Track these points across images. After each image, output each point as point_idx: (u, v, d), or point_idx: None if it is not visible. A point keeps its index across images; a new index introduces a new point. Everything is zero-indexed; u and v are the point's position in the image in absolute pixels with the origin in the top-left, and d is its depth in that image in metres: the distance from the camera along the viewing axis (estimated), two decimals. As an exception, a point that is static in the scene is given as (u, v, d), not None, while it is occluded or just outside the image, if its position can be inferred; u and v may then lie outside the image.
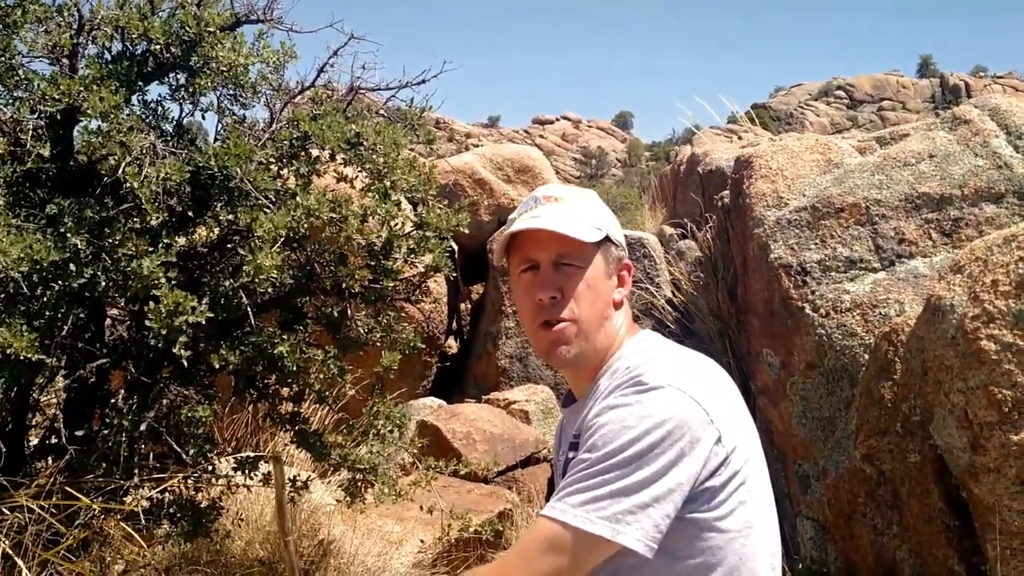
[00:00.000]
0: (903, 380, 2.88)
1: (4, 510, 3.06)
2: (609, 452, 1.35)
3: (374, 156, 3.60)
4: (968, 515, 2.56)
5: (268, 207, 3.17)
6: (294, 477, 4.00)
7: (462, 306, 8.24)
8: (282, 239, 3.09)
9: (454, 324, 8.16)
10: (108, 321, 3.83)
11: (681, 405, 1.39)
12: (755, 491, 1.45)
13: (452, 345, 8.24)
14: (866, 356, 3.60)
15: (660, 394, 1.39)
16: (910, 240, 4.01)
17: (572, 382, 1.68)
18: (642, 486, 1.34)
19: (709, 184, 7.06)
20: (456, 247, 7.29)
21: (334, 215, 3.29)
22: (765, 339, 4.37)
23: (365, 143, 3.53)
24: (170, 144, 3.37)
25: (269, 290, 3.58)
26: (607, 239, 1.59)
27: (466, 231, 3.90)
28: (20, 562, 2.97)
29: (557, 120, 64.86)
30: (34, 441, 3.92)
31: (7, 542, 2.99)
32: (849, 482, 3.16)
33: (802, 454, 3.81)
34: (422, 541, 4.60)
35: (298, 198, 3.27)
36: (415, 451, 4.69)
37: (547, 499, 5.14)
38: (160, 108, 3.58)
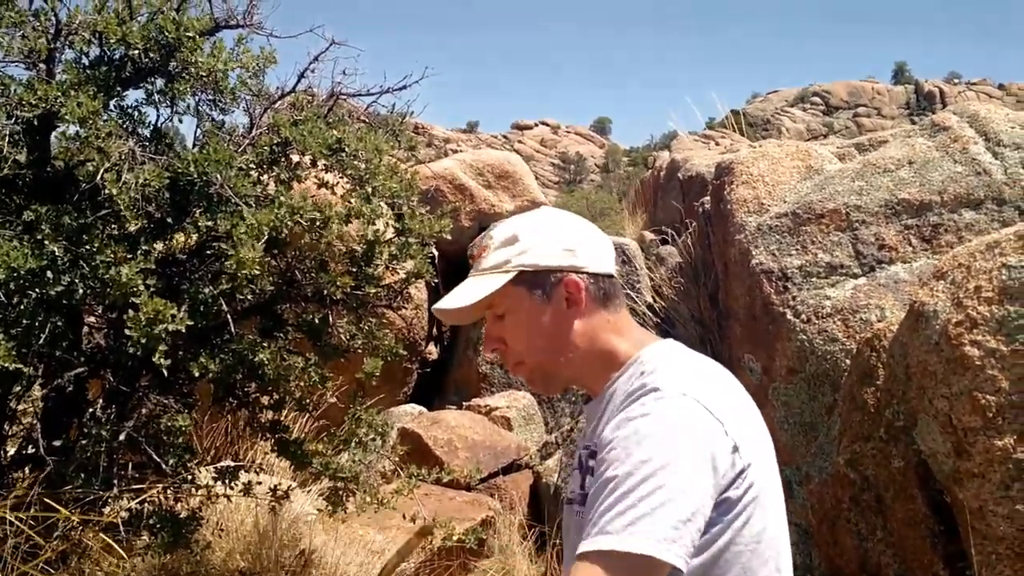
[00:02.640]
0: (886, 386, 2.89)
1: (-20, 522, 3.02)
2: (635, 471, 1.31)
3: (356, 162, 3.58)
4: (952, 520, 2.57)
5: (245, 210, 3.14)
6: (275, 486, 3.97)
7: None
8: (265, 237, 3.06)
9: (435, 330, 8.13)
10: (85, 329, 3.79)
11: (699, 416, 1.37)
12: (767, 504, 1.44)
13: (433, 352, 8.21)
14: (847, 361, 3.62)
15: (678, 406, 1.37)
16: (890, 246, 4.03)
17: (584, 388, 1.68)
18: (676, 502, 1.31)
19: (689, 190, 7.08)
20: (437, 253, 7.27)
21: (318, 214, 3.26)
22: (747, 345, 4.38)
23: (347, 149, 3.51)
24: (148, 150, 3.34)
25: (249, 297, 3.56)
26: (523, 274, 1.55)
27: (448, 237, 3.89)
28: (-4, 575, 2.93)
29: (536, 125, 64.97)
30: (11, 451, 3.86)
31: (-16, 555, 2.95)
32: (833, 487, 3.16)
33: (785, 459, 3.81)
34: (405, 549, 4.57)
35: (282, 197, 3.24)
36: (396, 459, 4.66)
37: (530, 506, 5.13)
38: (138, 113, 3.55)
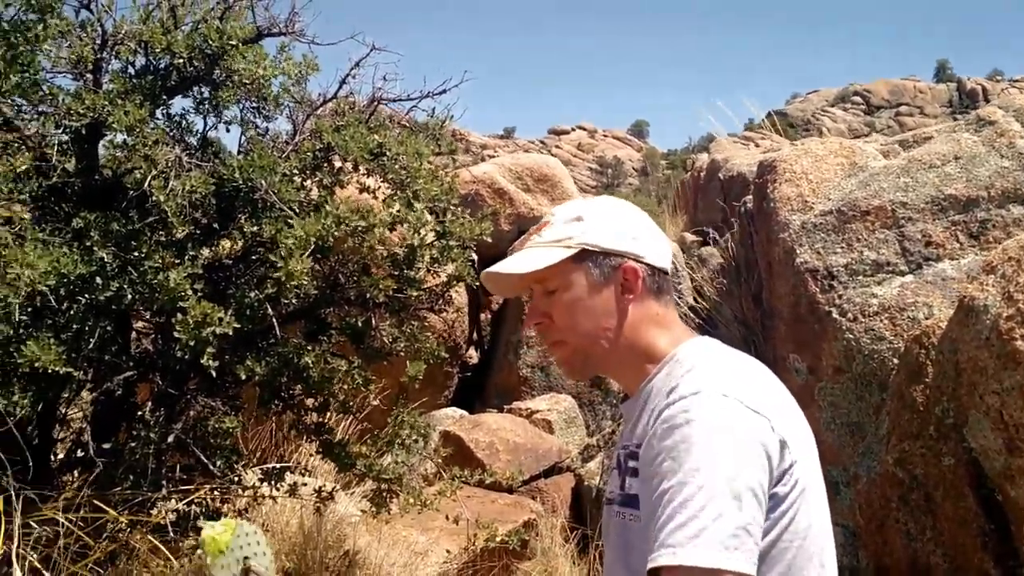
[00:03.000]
0: (935, 383, 2.85)
1: (32, 523, 3.08)
2: (688, 480, 1.30)
3: (396, 166, 3.61)
4: (1004, 519, 2.52)
5: (292, 218, 3.18)
6: (319, 488, 4.01)
7: (482, 317, 8.23)
8: (312, 247, 3.09)
9: (475, 335, 8.15)
10: (134, 335, 3.85)
11: (744, 416, 1.36)
12: (812, 500, 1.43)
13: (473, 356, 8.23)
14: (895, 360, 3.57)
15: (721, 408, 1.35)
16: (937, 242, 3.97)
17: (618, 383, 1.68)
18: (734, 507, 1.30)
19: (730, 190, 7.04)
20: (476, 258, 7.29)
21: (363, 223, 3.29)
22: (791, 344, 4.34)
23: (388, 153, 3.54)
24: (195, 157, 3.39)
25: (294, 301, 3.60)
26: (585, 252, 1.55)
27: (488, 240, 3.90)
28: (48, 574, 2.98)
29: (573, 130, 64.92)
30: (61, 455, 3.94)
31: (35, 555, 3.00)
32: (881, 487, 3.12)
33: (831, 460, 3.77)
34: (448, 551, 4.59)
35: (327, 206, 3.27)
36: (439, 461, 4.68)
37: (571, 509, 5.11)
38: (184, 121, 3.61)
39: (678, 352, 1.54)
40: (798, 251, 4.27)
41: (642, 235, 1.59)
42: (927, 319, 3.45)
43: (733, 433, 1.33)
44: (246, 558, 1.50)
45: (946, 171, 4.14)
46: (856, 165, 4.54)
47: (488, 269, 1.62)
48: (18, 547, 2.95)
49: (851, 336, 3.89)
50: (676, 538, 1.27)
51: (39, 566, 2.99)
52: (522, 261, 1.57)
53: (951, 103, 66.71)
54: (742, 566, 1.28)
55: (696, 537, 1.26)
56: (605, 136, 65.88)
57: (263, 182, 3.23)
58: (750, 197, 5.71)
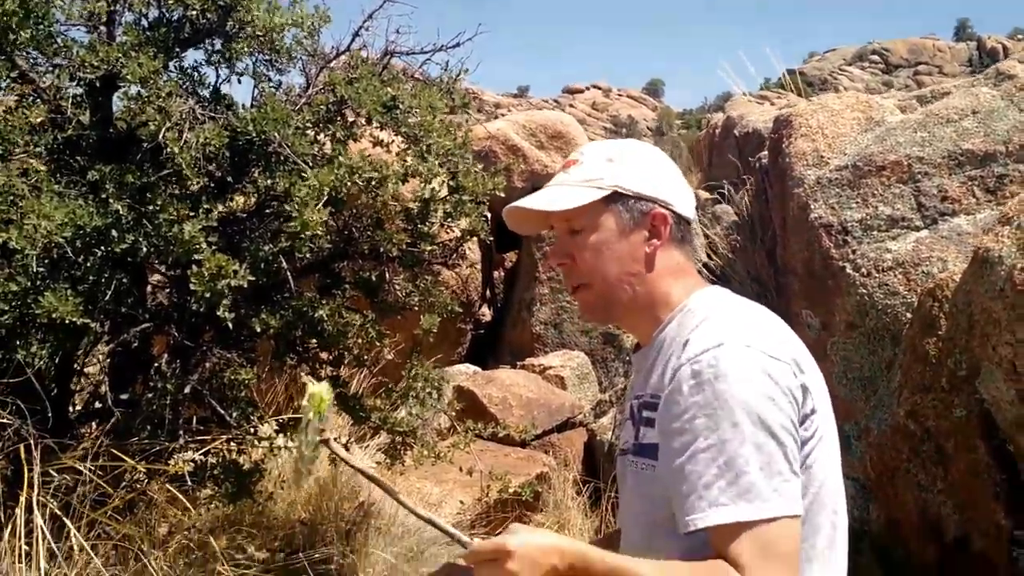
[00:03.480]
0: (948, 335, 2.85)
1: (52, 472, 3.13)
2: (729, 437, 1.31)
3: (410, 120, 3.60)
4: (1015, 469, 2.54)
5: (306, 170, 3.18)
6: (336, 438, 4.04)
7: (496, 274, 8.24)
8: (325, 198, 3.09)
9: (488, 292, 8.17)
10: (149, 289, 3.88)
11: (770, 365, 1.36)
12: (828, 450, 1.44)
13: (487, 313, 8.26)
14: (908, 315, 3.56)
15: (746, 359, 1.36)
16: (953, 198, 3.95)
17: (629, 332, 1.68)
18: (777, 456, 1.31)
19: (746, 146, 6.99)
20: (489, 215, 7.28)
21: (376, 175, 3.29)
22: (805, 300, 4.34)
23: (401, 106, 3.53)
24: (208, 110, 3.39)
25: (308, 255, 3.61)
26: (617, 195, 1.54)
27: (502, 195, 3.90)
28: (68, 522, 3.03)
29: (587, 89, 64.41)
30: (79, 406, 3.99)
31: (55, 503, 3.06)
32: (892, 439, 3.14)
33: (843, 415, 3.77)
34: (461, 502, 4.65)
35: (340, 158, 3.27)
36: (452, 414, 4.72)
37: (584, 463, 5.16)
38: (197, 74, 3.60)
39: (689, 302, 1.54)
40: (813, 206, 4.25)
41: (671, 182, 1.58)
42: (941, 273, 3.44)
43: (762, 383, 1.34)
44: (322, 431, 1.53)
45: (964, 125, 4.11)
46: (873, 120, 4.50)
47: (514, 203, 1.60)
48: (38, 495, 3.01)
49: (864, 291, 3.88)
50: (728, 495, 1.29)
51: (59, 513, 3.04)
52: (552, 198, 1.56)
53: (971, 62, 65.73)
54: (794, 508, 1.31)
55: (748, 492, 1.29)
56: (620, 95, 65.33)
57: (276, 135, 3.22)
58: (765, 153, 5.67)
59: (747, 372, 1.34)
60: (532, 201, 1.58)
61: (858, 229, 4.07)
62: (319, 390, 1.52)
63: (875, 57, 68.74)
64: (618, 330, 6.76)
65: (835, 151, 4.36)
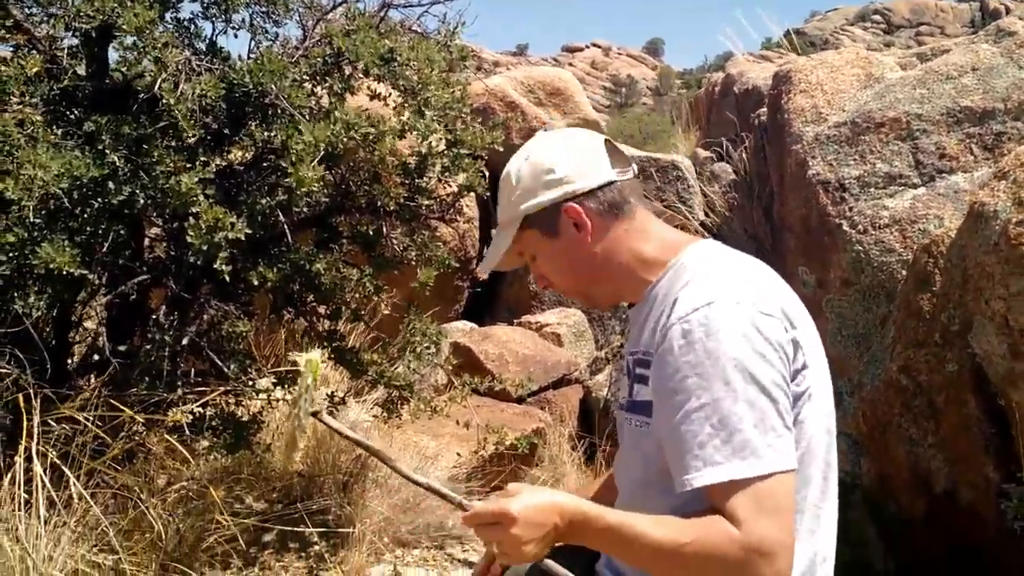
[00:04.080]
0: (943, 290, 2.86)
1: (51, 421, 3.14)
2: (722, 396, 1.32)
3: (407, 73, 3.57)
4: (1006, 423, 2.56)
5: (304, 124, 3.16)
6: (331, 393, 4.08)
7: (493, 233, 8.22)
8: (322, 153, 3.09)
9: (486, 250, 8.15)
10: (147, 242, 3.88)
11: (760, 322, 1.37)
12: (819, 405, 1.46)
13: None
14: (903, 272, 3.57)
15: (737, 316, 1.37)
16: (951, 155, 3.95)
17: (630, 300, 1.69)
18: (770, 411, 1.33)
19: (745, 104, 6.95)
20: (487, 173, 7.25)
21: (372, 130, 3.28)
22: (801, 257, 4.35)
23: (399, 59, 3.50)
24: (205, 61, 3.37)
25: (305, 209, 3.61)
26: (526, 219, 1.60)
27: (500, 149, 3.88)
28: (67, 471, 3.06)
29: (587, 47, 63.82)
30: (77, 358, 4.00)
31: (54, 452, 3.08)
32: (885, 394, 3.16)
33: (837, 371, 3.78)
34: (458, 455, 4.68)
35: (337, 112, 3.25)
36: (449, 369, 4.75)
37: (579, 419, 5.20)
38: (193, 26, 3.57)
39: (682, 257, 1.55)
40: (811, 163, 4.24)
41: (568, 167, 1.57)
42: (937, 230, 3.44)
43: (753, 339, 1.35)
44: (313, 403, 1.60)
45: (963, 82, 4.09)
46: (872, 76, 4.48)
47: (479, 268, 1.80)
48: (38, 444, 3.03)
49: (860, 248, 3.89)
50: (723, 453, 1.31)
51: (58, 462, 3.07)
52: (493, 250, 1.70)
53: (973, 23, 65.13)
54: (788, 463, 1.33)
55: (743, 449, 1.30)
56: (619, 54, 64.77)
57: (273, 87, 3.20)
58: (764, 110, 5.65)
59: (737, 329, 1.35)
60: (487, 260, 1.73)
61: (855, 186, 4.06)
62: (314, 357, 1.56)
63: (877, 17, 68.07)
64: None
65: (834, 107, 4.35)
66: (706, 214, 6.46)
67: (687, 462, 1.33)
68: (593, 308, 1.75)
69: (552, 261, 1.62)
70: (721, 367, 1.33)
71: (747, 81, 7.21)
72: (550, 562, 1.44)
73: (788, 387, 1.38)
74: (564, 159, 1.58)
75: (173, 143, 3.25)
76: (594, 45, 65.01)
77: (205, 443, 3.66)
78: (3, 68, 3.28)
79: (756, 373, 1.33)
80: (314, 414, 1.58)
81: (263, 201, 3.27)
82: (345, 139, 3.29)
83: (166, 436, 3.45)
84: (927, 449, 2.93)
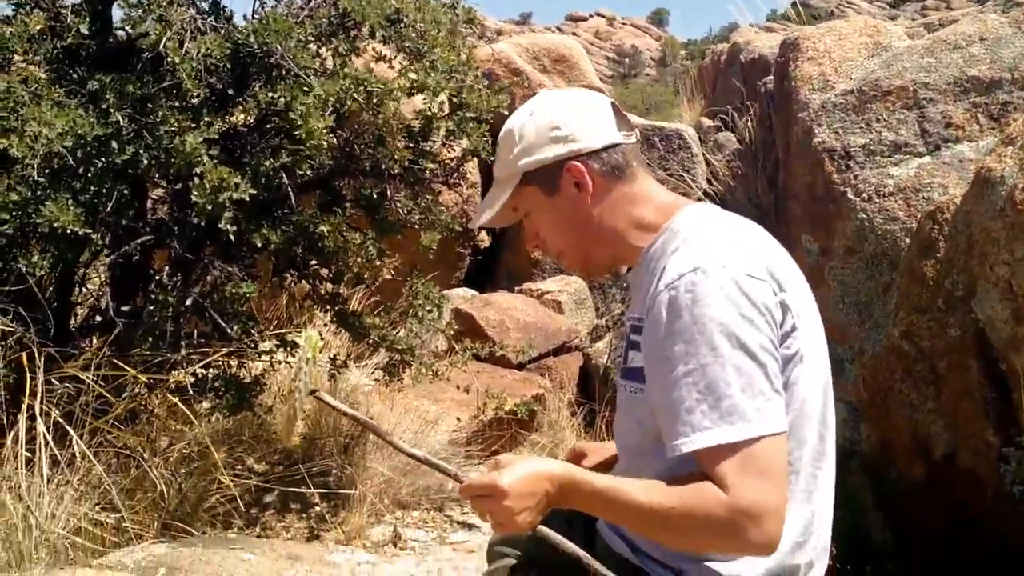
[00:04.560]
0: (946, 257, 2.86)
1: (54, 380, 3.16)
2: (708, 362, 1.32)
3: (413, 34, 3.56)
4: (1006, 388, 2.57)
5: (310, 83, 3.15)
6: (334, 356, 4.09)
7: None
8: (330, 109, 3.07)
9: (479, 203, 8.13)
10: (150, 203, 3.88)
11: (747, 286, 1.36)
12: (812, 368, 1.45)
13: (485, 239, 8.24)
14: (907, 241, 3.57)
15: (724, 280, 1.36)
16: (957, 124, 3.93)
17: (627, 265, 1.69)
18: (758, 375, 1.33)
19: (751, 73, 6.91)
20: (491, 140, 7.22)
21: (382, 86, 3.26)
22: (805, 225, 4.34)
23: (405, 20, 3.48)
24: (209, 20, 3.35)
25: (309, 172, 3.60)
26: (527, 175, 1.57)
27: (506, 113, 3.86)
28: (71, 429, 3.08)
29: (591, 17, 63.35)
30: (80, 318, 4.01)
31: (58, 411, 3.10)
32: (886, 360, 3.17)
33: (838, 339, 3.82)
34: (458, 419, 4.71)
35: (346, 69, 3.24)
36: (450, 334, 4.76)
37: (579, 386, 5.22)
38: (198, -15, 3.54)
39: (674, 221, 1.54)
40: (816, 131, 4.23)
41: (573, 127, 1.56)
42: (942, 198, 3.45)
43: (739, 303, 1.34)
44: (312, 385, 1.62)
45: (970, 52, 4.07)
46: (880, 45, 4.46)
47: (472, 222, 1.74)
48: (41, 403, 3.05)
49: (864, 216, 3.89)
50: (710, 418, 1.31)
51: (61, 421, 3.09)
52: (488, 206, 1.64)
53: (980, -3, 64.61)
54: (777, 426, 1.33)
55: (731, 414, 1.30)
56: (624, 24, 64.31)
57: (278, 47, 3.19)
58: (771, 78, 5.62)
59: (723, 294, 1.34)
60: (481, 215, 1.66)
61: (861, 154, 4.06)
62: (312, 334, 1.58)
63: (883, -11, 67.54)
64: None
65: (841, 75, 4.33)
66: (709, 183, 6.45)
67: (676, 428, 1.34)
68: (587, 275, 1.71)
69: (548, 220, 1.59)
70: (707, 332, 1.33)
71: (753, 50, 7.16)
72: (545, 529, 1.45)
73: (777, 350, 1.37)
74: (570, 117, 1.56)
75: (177, 103, 3.24)
76: (598, 15, 64.51)
77: (207, 404, 3.68)
78: (6, 26, 3.26)
79: (743, 337, 1.33)
80: (312, 392, 1.59)
81: (267, 163, 3.26)
82: (354, 95, 3.27)
83: (169, 396, 3.48)
84: (927, 414, 2.94)
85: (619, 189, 1.56)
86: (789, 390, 1.41)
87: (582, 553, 1.45)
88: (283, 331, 3.92)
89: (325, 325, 4.39)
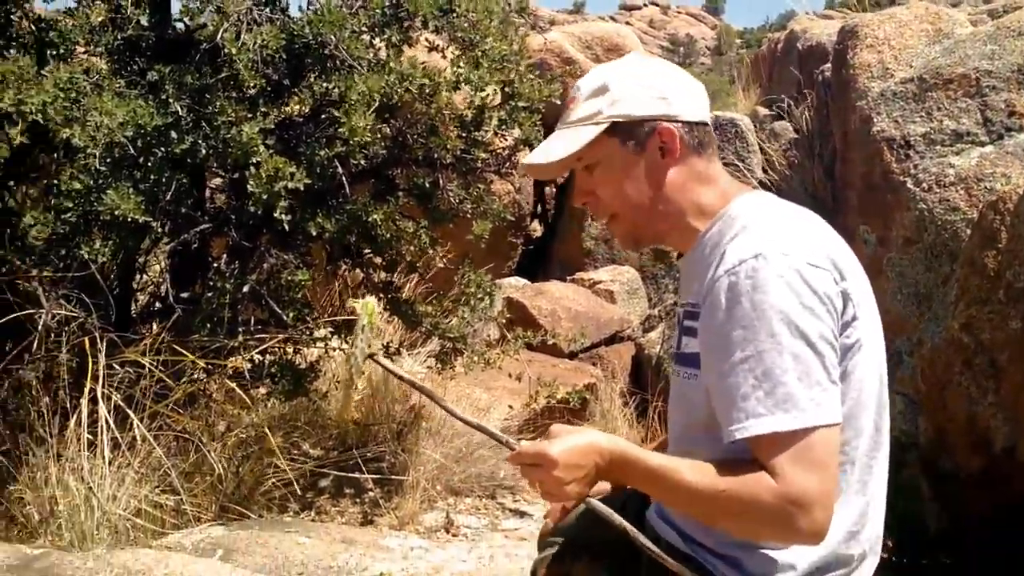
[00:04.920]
0: (1008, 247, 2.80)
1: (115, 365, 3.24)
2: (767, 348, 1.32)
3: (465, 24, 3.57)
4: (1069, 382, 2.52)
5: (358, 74, 3.18)
6: (387, 343, 4.13)
7: (547, 190, 8.22)
8: (376, 104, 3.10)
9: (539, 207, 8.16)
10: (208, 193, 3.95)
11: (809, 274, 1.35)
12: (869, 355, 1.44)
13: (537, 228, 8.26)
14: (968, 231, 3.50)
15: (785, 267, 1.34)
16: (1021, 112, 3.83)
17: (673, 248, 1.68)
18: (815, 364, 1.32)
19: (808, 61, 6.81)
20: (543, 130, 7.20)
21: (427, 81, 3.28)
22: (863, 216, 4.28)
23: (457, 9, 3.50)
24: (265, 12, 3.40)
25: (362, 161, 3.63)
26: (617, 124, 1.50)
27: (557, 102, 3.86)
28: (131, 413, 3.16)
29: (645, 6, 62.81)
30: (141, 304, 4.11)
31: (118, 395, 3.18)
32: (945, 352, 3.11)
33: (896, 330, 3.75)
34: (510, 407, 4.73)
35: (391, 64, 3.26)
36: (502, 322, 4.78)
37: (631, 376, 5.21)
38: (255, -25, 3.59)
39: (731, 208, 1.53)
40: (875, 119, 4.15)
41: (673, 92, 1.53)
42: (1005, 188, 3.36)
43: (800, 291, 1.33)
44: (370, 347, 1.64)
45: (1035, 38, 3.97)
46: (941, 32, 4.36)
47: (524, 160, 1.62)
48: (103, 387, 3.13)
49: (924, 207, 3.81)
50: (765, 405, 1.30)
51: (122, 404, 3.17)
52: (555, 147, 1.54)
53: (1049, -20, 62.75)
54: (832, 417, 1.32)
55: (786, 402, 1.30)
56: (679, 12, 63.67)
57: (332, 38, 3.23)
58: (828, 66, 5.54)
59: (784, 281, 1.33)
60: (536, 156, 1.57)
61: (921, 143, 3.98)
62: (370, 300, 1.60)
63: (947, -25, 65.93)
64: (667, 247, 6.76)
65: (901, 63, 4.24)
66: (765, 172, 6.38)
67: (731, 415, 1.33)
68: (632, 243, 1.67)
69: (615, 178, 1.53)
70: (767, 320, 1.32)
71: (811, 38, 7.05)
72: (594, 501, 1.46)
73: (836, 340, 1.36)
74: (675, 83, 1.55)
75: (234, 94, 3.29)
76: (652, 3, 63.91)
77: (264, 390, 3.75)
78: (69, 18, 3.35)
79: (803, 326, 1.32)
80: (371, 355, 1.62)
81: (322, 153, 3.30)
82: (400, 90, 3.30)
83: (226, 382, 3.54)
84: (987, 407, 2.89)
85: (697, 165, 1.54)
86: (847, 379, 1.40)
87: (629, 527, 1.45)
88: (337, 318, 3.97)
89: (379, 313, 4.44)
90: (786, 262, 1.35)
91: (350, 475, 3.88)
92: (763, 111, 7.39)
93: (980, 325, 2.90)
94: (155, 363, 3.27)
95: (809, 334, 1.32)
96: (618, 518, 1.46)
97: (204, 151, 3.21)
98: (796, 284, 1.34)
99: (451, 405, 1.56)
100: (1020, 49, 4.01)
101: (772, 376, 1.30)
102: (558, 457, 1.35)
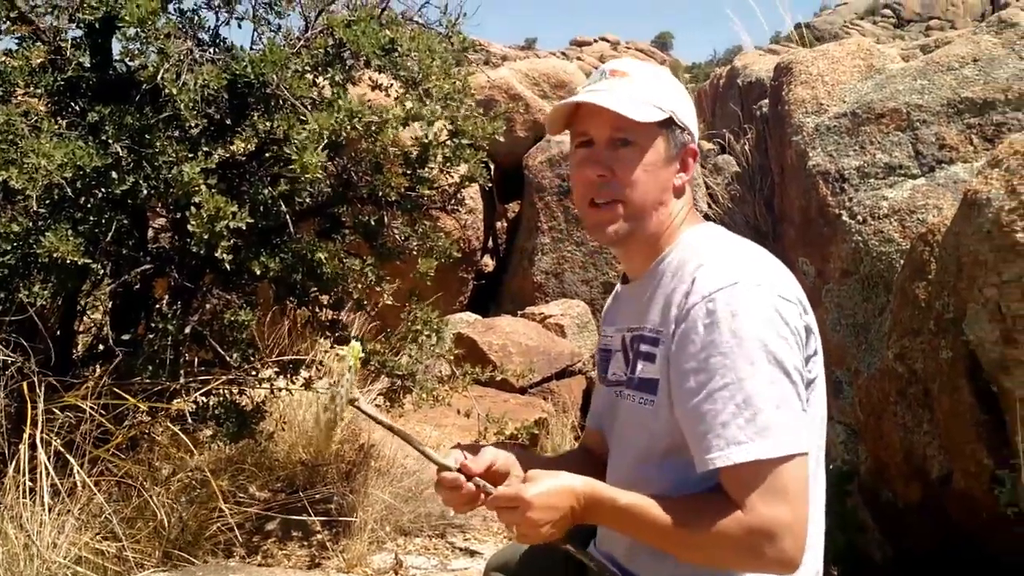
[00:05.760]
0: (937, 279, 2.87)
1: (55, 410, 3.18)
2: (746, 376, 1.34)
3: (408, 63, 3.60)
4: (998, 410, 2.58)
5: (306, 114, 3.19)
6: (334, 382, 4.11)
7: (498, 224, 8.25)
8: (325, 141, 3.11)
9: (490, 242, 8.19)
10: (151, 233, 3.91)
11: (781, 306, 1.39)
12: (820, 387, 1.49)
13: (488, 264, 8.28)
14: (902, 262, 3.58)
15: (760, 299, 1.38)
16: (951, 145, 3.95)
17: (624, 261, 1.68)
18: (791, 394, 1.36)
19: (749, 96, 6.95)
20: (492, 165, 7.25)
21: (376, 118, 3.30)
22: (801, 248, 4.36)
23: (400, 49, 3.52)
24: (207, 52, 3.40)
25: (307, 200, 3.64)
26: (671, 121, 1.55)
27: (501, 139, 3.90)
28: (71, 458, 3.10)
29: (596, 41, 63.47)
30: (82, 349, 4.04)
31: (59, 440, 3.12)
32: (880, 381, 3.17)
33: (836, 361, 3.82)
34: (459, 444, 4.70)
35: (340, 101, 3.28)
36: (451, 358, 4.77)
37: (582, 410, 5.22)
38: (197, 17, 3.59)
39: (683, 237, 1.56)
40: (810, 154, 4.25)
41: (694, 119, 1.63)
42: (935, 220, 3.45)
43: (775, 322, 1.37)
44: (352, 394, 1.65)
45: (964, 73, 4.09)
46: (873, 67, 4.48)
47: (584, 97, 1.55)
48: (42, 432, 3.07)
49: (860, 239, 3.90)
50: (746, 433, 1.32)
51: (62, 450, 3.11)
52: (621, 104, 1.51)
53: (984, 17, 64.68)
54: (805, 446, 1.36)
55: (766, 429, 1.32)
56: (628, 48, 64.42)
57: (275, 77, 3.23)
58: (766, 101, 5.65)
59: (762, 311, 1.37)
60: (604, 99, 1.52)
61: (855, 176, 4.07)
62: (355, 344, 1.61)
63: (887, 11, 67.55)
64: (617, 279, 6.80)
65: (835, 98, 4.35)
66: (709, 206, 6.47)
67: (709, 441, 1.35)
68: (610, 236, 1.62)
69: (649, 167, 1.54)
70: (746, 348, 1.34)
71: (751, 73, 7.20)
72: (568, 547, 1.48)
73: (803, 371, 1.40)
74: (694, 114, 1.65)
75: (176, 133, 3.28)
76: (603, 39, 64.64)
77: (208, 432, 3.70)
78: (8, 59, 3.32)
79: (779, 355, 1.35)
80: (352, 401, 1.62)
81: (265, 191, 3.30)
82: (348, 127, 3.31)
83: (169, 425, 3.49)
84: (921, 436, 2.94)
85: (689, 193, 1.64)
86: (809, 411, 1.43)
87: (608, 566, 1.48)
88: (284, 358, 3.94)
89: (325, 352, 4.42)
90: (762, 292, 1.39)
91: (298, 518, 3.83)
92: (707, 145, 7.51)
93: (913, 355, 2.96)
94: (96, 407, 3.21)
95: (785, 363, 1.36)
96: (600, 560, 1.49)
97: (145, 191, 3.19)
98: (771, 315, 1.37)
99: (432, 451, 1.56)
100: (949, 84, 4.13)
101: (752, 403, 1.33)
102: (533, 500, 1.36)
